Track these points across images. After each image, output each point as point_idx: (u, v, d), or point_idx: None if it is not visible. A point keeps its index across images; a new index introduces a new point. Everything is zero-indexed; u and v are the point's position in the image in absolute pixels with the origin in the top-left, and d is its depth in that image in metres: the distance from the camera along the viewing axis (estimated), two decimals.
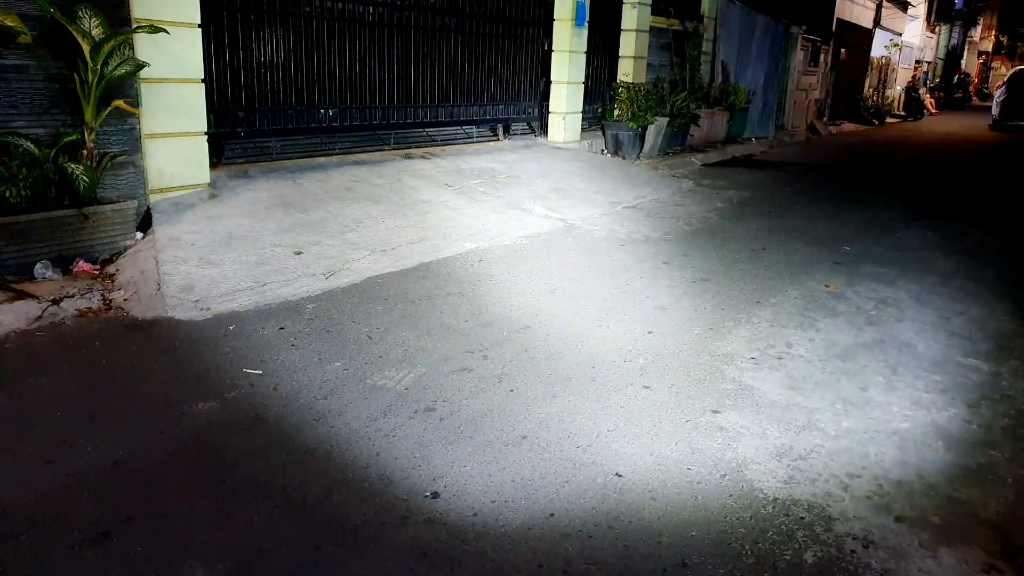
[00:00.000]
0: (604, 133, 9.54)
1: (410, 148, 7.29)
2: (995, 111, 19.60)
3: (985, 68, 40.24)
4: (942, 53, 31.88)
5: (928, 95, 26.07)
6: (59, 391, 2.71)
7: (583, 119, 9.29)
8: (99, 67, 4.06)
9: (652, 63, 10.52)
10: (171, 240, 4.25)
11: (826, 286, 4.58)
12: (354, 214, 5.16)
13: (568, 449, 2.51)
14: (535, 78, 8.85)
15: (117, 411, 2.59)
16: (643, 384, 3.04)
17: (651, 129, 9.55)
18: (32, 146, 3.90)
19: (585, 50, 8.98)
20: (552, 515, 2.14)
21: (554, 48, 8.84)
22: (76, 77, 4.12)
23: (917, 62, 27.32)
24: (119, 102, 4.34)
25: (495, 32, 8.13)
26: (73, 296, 3.57)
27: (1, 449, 2.32)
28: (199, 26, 4.82)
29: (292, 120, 6.17)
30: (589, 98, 9.34)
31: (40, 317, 3.34)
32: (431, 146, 7.57)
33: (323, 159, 6.40)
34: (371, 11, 6.64)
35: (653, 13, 10.14)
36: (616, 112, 9.88)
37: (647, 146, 9.62)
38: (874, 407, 2.95)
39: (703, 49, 11.81)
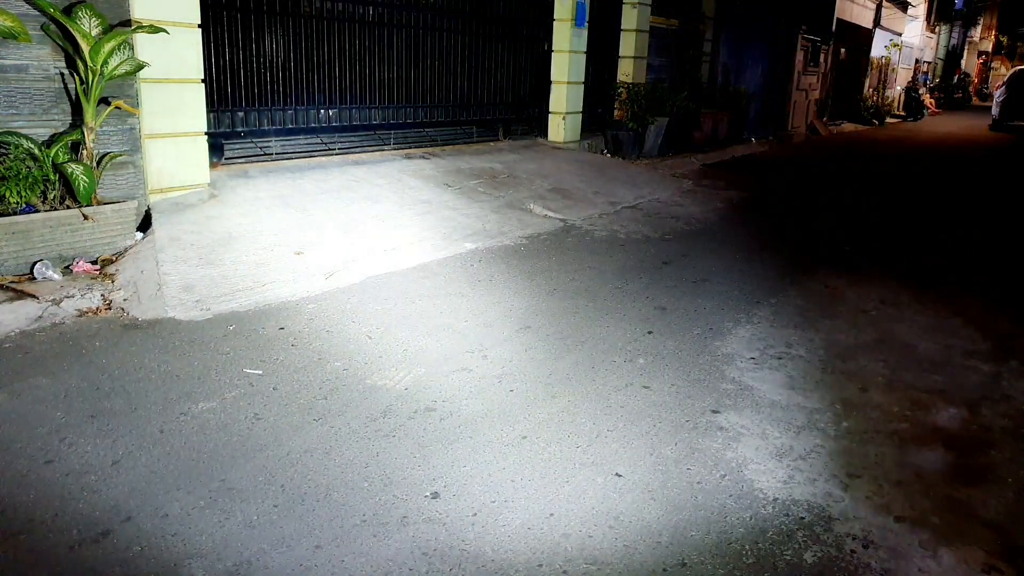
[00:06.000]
0: (604, 133, 9.53)
1: (410, 148, 7.29)
2: (995, 111, 19.58)
3: (985, 68, 40.22)
4: (942, 53, 31.86)
5: (928, 95, 26.05)
6: (59, 391, 2.71)
7: (583, 119, 9.29)
8: (99, 67, 4.06)
9: (652, 63, 10.52)
10: (171, 240, 4.25)
11: (826, 286, 4.58)
12: (354, 214, 5.15)
13: (568, 449, 2.51)
14: (535, 78, 8.84)
15: (117, 411, 2.59)
16: (643, 384, 3.04)
17: (651, 129, 9.55)
18: (32, 146, 3.90)
19: (585, 50, 8.97)
20: (552, 515, 2.14)
21: (554, 48, 8.84)
22: (76, 77, 4.13)
23: (917, 62, 27.32)
24: (119, 102, 4.34)
25: (495, 32, 8.13)
26: (73, 296, 3.57)
27: (1, 448, 2.32)
28: (199, 26, 4.82)
29: (292, 120, 6.17)
30: (589, 98, 9.33)
31: (40, 317, 3.34)
32: (431, 146, 7.57)
33: (323, 159, 6.40)
34: (371, 11, 6.64)
35: (653, 13, 10.14)
36: (616, 112, 9.87)
37: (647, 146, 9.62)
38: (874, 407, 2.95)
39: (703, 49, 11.82)
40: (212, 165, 5.27)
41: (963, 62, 34.56)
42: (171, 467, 2.28)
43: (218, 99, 5.54)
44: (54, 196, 3.96)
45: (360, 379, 2.94)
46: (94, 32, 4.06)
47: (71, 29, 3.96)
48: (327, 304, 3.74)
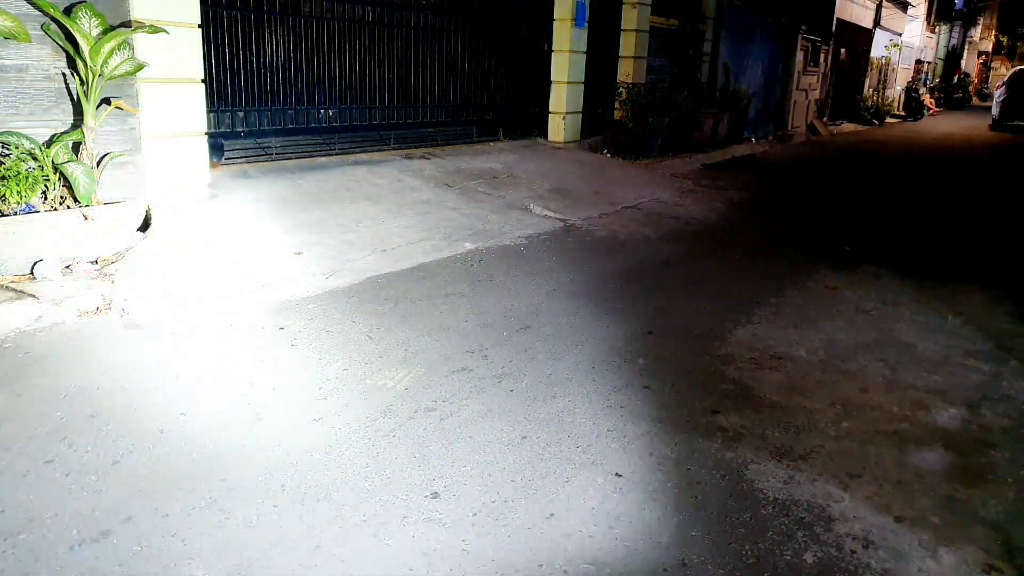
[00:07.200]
0: (604, 133, 9.53)
1: (410, 148, 7.29)
2: (995, 111, 19.59)
3: (985, 68, 40.22)
4: (942, 53, 31.85)
5: (928, 95, 26.05)
6: (59, 391, 2.71)
7: (583, 119, 9.28)
8: (99, 67, 4.06)
9: (652, 63, 10.52)
10: (171, 240, 4.25)
11: (826, 286, 4.58)
12: (354, 214, 5.16)
13: (568, 449, 2.51)
14: (535, 78, 8.84)
15: (117, 411, 2.59)
16: (643, 384, 3.04)
17: (651, 129, 9.55)
18: (32, 146, 3.90)
19: (585, 50, 8.98)
20: (552, 515, 2.14)
21: (554, 48, 8.84)
22: (76, 77, 4.13)
23: (917, 62, 27.30)
24: (119, 102, 4.34)
25: (495, 32, 8.13)
26: (73, 296, 3.56)
27: (2, 448, 2.32)
28: (199, 26, 4.82)
29: (292, 120, 6.18)
30: (589, 98, 9.33)
31: (40, 317, 3.34)
32: (431, 146, 7.57)
33: (323, 159, 6.40)
34: (371, 11, 6.64)
35: (653, 13, 10.14)
36: (616, 112, 9.87)
37: (647, 146, 9.62)
38: (874, 407, 2.95)
39: (703, 49, 11.81)
40: (212, 165, 5.27)
41: (963, 62, 34.53)
42: (171, 467, 2.28)
43: (218, 99, 5.54)
44: (54, 196, 3.96)
45: (360, 379, 2.94)
46: (94, 32, 4.06)
47: (71, 29, 3.96)
48: (327, 304, 3.74)
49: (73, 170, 3.94)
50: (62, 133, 4.14)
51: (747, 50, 13.18)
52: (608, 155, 9.31)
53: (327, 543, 1.98)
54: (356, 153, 6.73)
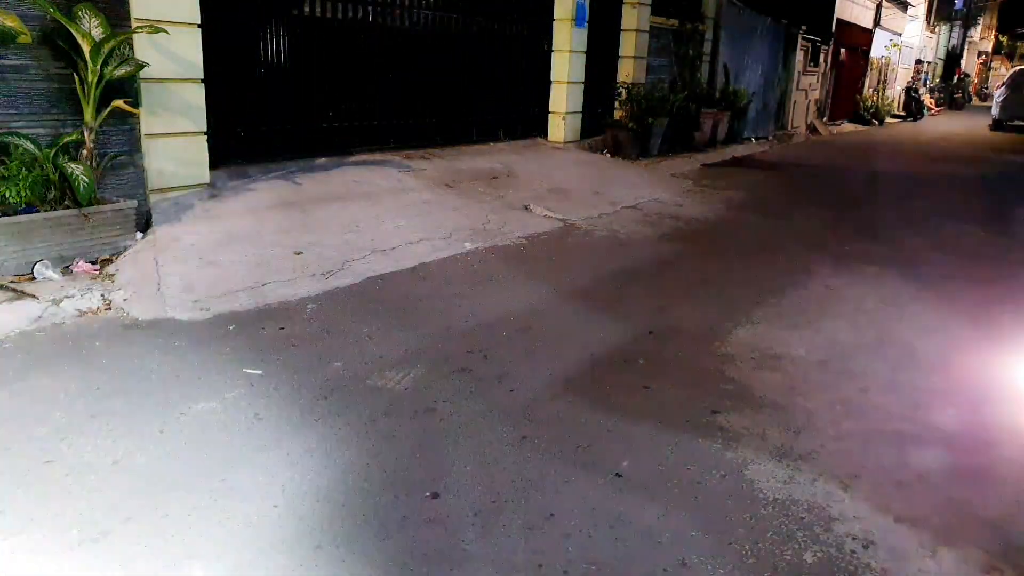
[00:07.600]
0: (604, 133, 9.53)
1: (410, 148, 7.28)
2: (995, 111, 19.59)
3: (985, 68, 40.24)
4: (942, 53, 31.86)
5: (928, 95, 26.06)
6: (59, 391, 2.71)
7: (583, 119, 9.28)
8: (99, 67, 4.06)
9: (652, 63, 10.52)
10: (171, 240, 4.25)
11: (826, 286, 4.58)
12: (354, 214, 5.16)
13: (568, 449, 2.51)
14: (535, 78, 8.84)
15: (117, 411, 2.59)
16: (643, 384, 3.04)
17: (651, 129, 9.55)
18: (32, 146, 3.89)
19: (585, 50, 8.98)
20: (552, 515, 2.14)
21: (554, 48, 8.84)
22: (76, 77, 4.13)
23: (917, 62, 27.31)
24: (119, 102, 4.34)
25: (495, 32, 8.13)
26: (73, 296, 3.57)
27: (2, 448, 2.32)
28: (199, 26, 4.81)
29: (292, 120, 6.17)
30: (589, 98, 9.33)
31: (40, 317, 3.34)
32: (431, 146, 7.56)
33: (323, 159, 6.39)
34: (371, 11, 6.64)
35: (653, 13, 10.13)
36: (616, 112, 9.87)
37: (647, 146, 9.62)
38: (874, 407, 2.95)
39: (703, 49, 11.81)
40: (212, 165, 5.25)
41: (963, 62, 34.52)
42: (171, 467, 2.28)
43: (218, 99, 5.53)
44: (54, 196, 3.95)
45: (360, 379, 2.94)
46: (94, 32, 4.06)
47: (71, 29, 3.95)
48: (327, 304, 3.74)
49: (73, 170, 3.94)
50: (62, 133, 4.14)
51: (747, 50, 13.18)
52: (608, 155, 9.31)
53: (327, 543, 1.98)
54: (356, 153, 6.73)
